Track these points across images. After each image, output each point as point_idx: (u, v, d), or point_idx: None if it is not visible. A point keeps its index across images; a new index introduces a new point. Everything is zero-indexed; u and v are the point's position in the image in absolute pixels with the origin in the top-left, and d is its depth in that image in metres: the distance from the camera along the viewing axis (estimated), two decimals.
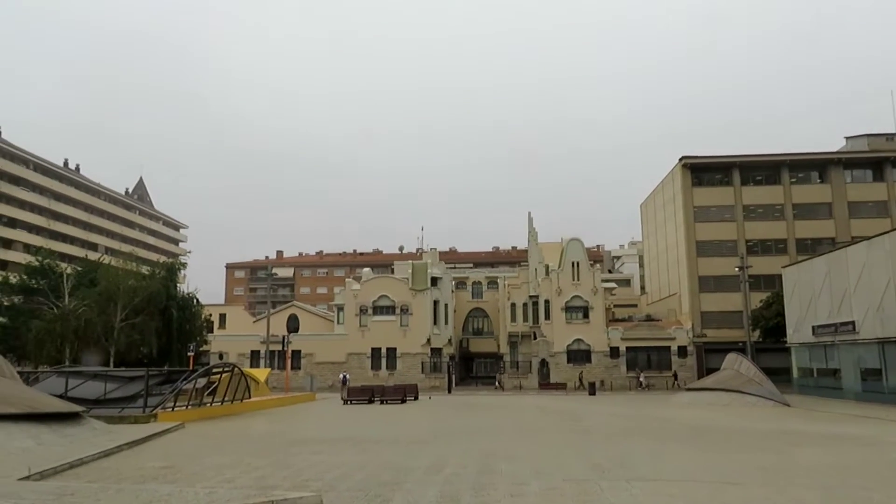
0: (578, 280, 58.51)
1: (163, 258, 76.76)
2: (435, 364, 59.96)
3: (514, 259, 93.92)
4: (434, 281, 62.02)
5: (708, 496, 11.31)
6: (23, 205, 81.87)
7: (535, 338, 59.77)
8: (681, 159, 59.52)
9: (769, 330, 49.51)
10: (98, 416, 22.33)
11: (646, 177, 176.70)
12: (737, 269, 48.51)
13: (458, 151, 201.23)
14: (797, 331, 43.62)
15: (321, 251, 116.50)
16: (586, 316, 58.08)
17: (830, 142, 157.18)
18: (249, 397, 34.13)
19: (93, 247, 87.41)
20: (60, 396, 23.27)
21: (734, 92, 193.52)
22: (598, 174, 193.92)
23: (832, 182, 57.96)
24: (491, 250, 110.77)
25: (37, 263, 51.95)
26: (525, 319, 62.04)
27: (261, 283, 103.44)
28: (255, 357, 59.55)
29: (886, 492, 11.86)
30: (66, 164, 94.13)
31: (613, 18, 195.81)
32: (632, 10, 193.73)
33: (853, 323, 36.78)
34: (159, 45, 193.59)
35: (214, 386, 31.11)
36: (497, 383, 58.83)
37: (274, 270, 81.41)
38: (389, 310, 61.40)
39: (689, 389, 42.31)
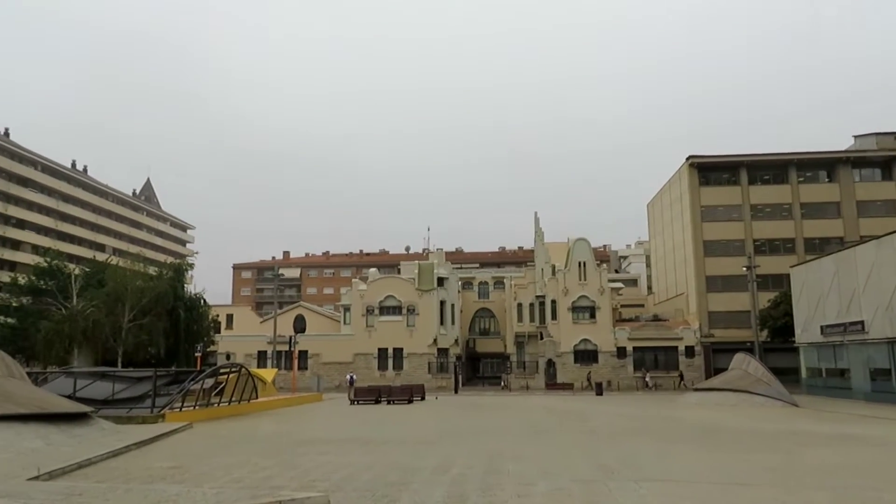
0: (585, 280, 58.38)
1: (170, 259, 77.02)
2: (441, 364, 59.95)
3: (521, 259, 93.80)
4: (440, 281, 62.01)
5: (717, 497, 11.26)
6: (31, 206, 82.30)
7: (541, 338, 59.67)
8: (688, 158, 59.32)
9: (777, 330, 49.28)
10: (106, 416, 22.44)
11: (646, 176, 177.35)
12: (744, 268, 48.30)
13: (458, 151, 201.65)
14: (805, 331, 43.41)
15: (327, 252, 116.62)
16: (593, 316, 57.97)
17: (830, 142, 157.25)
18: (257, 397, 34.20)
19: (100, 248, 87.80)
20: (69, 397, 23.37)
21: (734, 92, 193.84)
22: (598, 174, 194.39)
23: (840, 181, 57.64)
24: (497, 250, 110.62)
25: (45, 264, 52.21)
26: (532, 319, 61.94)
27: (267, 283, 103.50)
28: (262, 357, 59.68)
29: None
30: (73, 165, 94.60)
31: (613, 18, 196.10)
32: (632, 10, 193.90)
33: (862, 323, 36.57)
34: (159, 45, 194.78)
35: (222, 386, 31.20)
36: (503, 383, 58.75)
37: (280, 271, 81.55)
38: (396, 310, 61.44)
39: (696, 390, 42.15)
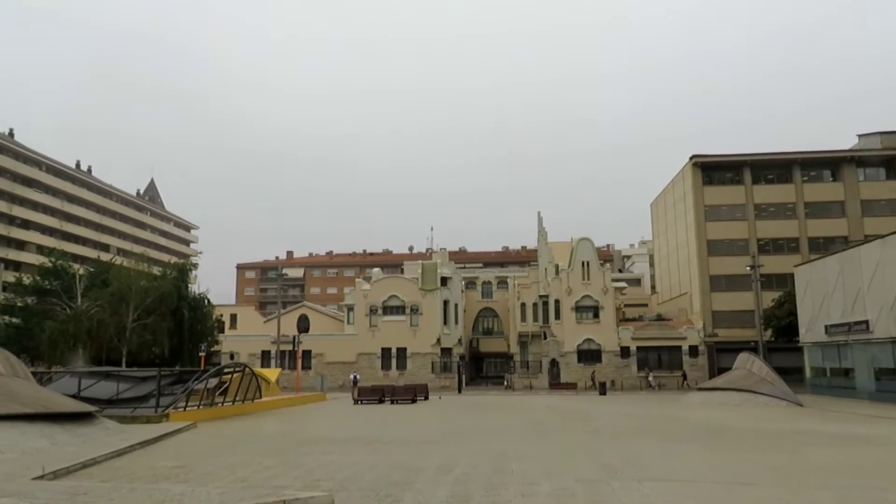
0: (589, 279, 58.34)
1: (174, 259, 77.23)
2: (445, 364, 59.97)
3: (524, 259, 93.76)
4: (444, 281, 62.03)
5: (721, 497, 11.24)
6: (36, 206, 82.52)
7: (545, 337, 59.64)
8: (691, 158, 59.22)
9: (781, 329, 49.19)
10: (111, 415, 22.50)
11: (648, 176, 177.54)
12: (748, 268, 48.22)
13: (459, 151, 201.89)
14: (810, 330, 43.30)
15: (331, 251, 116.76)
16: (596, 315, 57.91)
17: (830, 141, 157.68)
18: (260, 397, 34.26)
19: (105, 248, 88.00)
20: (73, 396, 23.44)
21: (734, 92, 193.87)
22: (600, 174, 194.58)
23: (845, 180, 57.46)
24: (500, 250, 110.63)
25: (50, 265, 52.38)
26: (535, 319, 61.92)
27: (271, 283, 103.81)
28: (265, 357, 59.78)
29: None
30: (77, 165, 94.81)
31: (613, 18, 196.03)
32: (632, 10, 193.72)
33: (867, 322, 36.47)
34: (159, 44, 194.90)
35: (226, 386, 31.26)
36: (506, 383, 58.72)
37: (284, 271, 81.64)
38: (399, 310, 61.47)
39: (700, 389, 42.09)
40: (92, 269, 54.59)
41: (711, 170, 59.53)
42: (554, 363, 57.49)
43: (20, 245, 79.00)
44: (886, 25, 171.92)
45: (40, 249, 73.35)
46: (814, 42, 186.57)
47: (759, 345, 45.95)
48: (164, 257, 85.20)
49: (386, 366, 60.47)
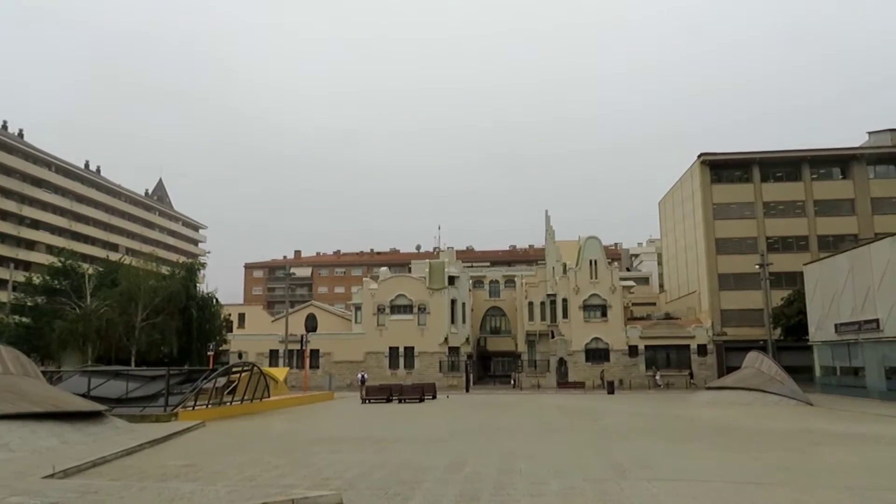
0: (596, 278, 58.21)
1: (182, 258, 77.47)
2: (453, 363, 59.97)
3: (532, 258, 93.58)
4: (451, 280, 62.01)
5: (730, 496, 11.19)
6: (45, 206, 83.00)
7: (552, 336, 59.54)
8: (699, 156, 58.96)
9: (791, 328, 48.91)
10: (120, 414, 22.61)
11: (649, 175, 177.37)
12: (757, 266, 47.99)
13: (459, 151, 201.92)
14: (819, 329, 43.06)
15: (338, 251, 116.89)
16: (604, 314, 57.79)
17: (833, 139, 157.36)
18: (269, 396, 34.34)
19: (114, 247, 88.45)
20: (83, 396, 23.57)
21: (734, 91, 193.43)
22: (604, 173, 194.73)
23: (855, 178, 57.07)
24: (508, 249, 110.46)
25: (59, 264, 52.62)
26: (543, 318, 61.81)
27: (279, 282, 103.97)
28: (273, 356, 59.95)
29: None
30: (86, 165, 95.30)
31: (613, 18, 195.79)
32: (632, 10, 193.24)
33: (877, 321, 36.22)
34: (159, 44, 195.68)
35: (234, 385, 31.37)
36: (513, 381, 58.68)
37: (292, 270, 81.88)
38: (407, 309, 61.50)
39: (709, 388, 41.96)
40: (101, 269, 54.84)
41: (720, 168, 59.26)
42: (562, 362, 57.40)
43: (30, 245, 79.51)
44: (886, 24, 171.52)
45: (50, 249, 73.72)
46: (813, 42, 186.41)
47: (769, 343, 45.72)
48: (173, 257, 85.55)
49: (394, 365, 60.54)
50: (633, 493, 11.15)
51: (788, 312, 48.91)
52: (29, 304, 52.86)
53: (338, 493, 10.77)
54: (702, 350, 56.00)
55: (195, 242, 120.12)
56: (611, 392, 47.83)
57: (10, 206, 77.20)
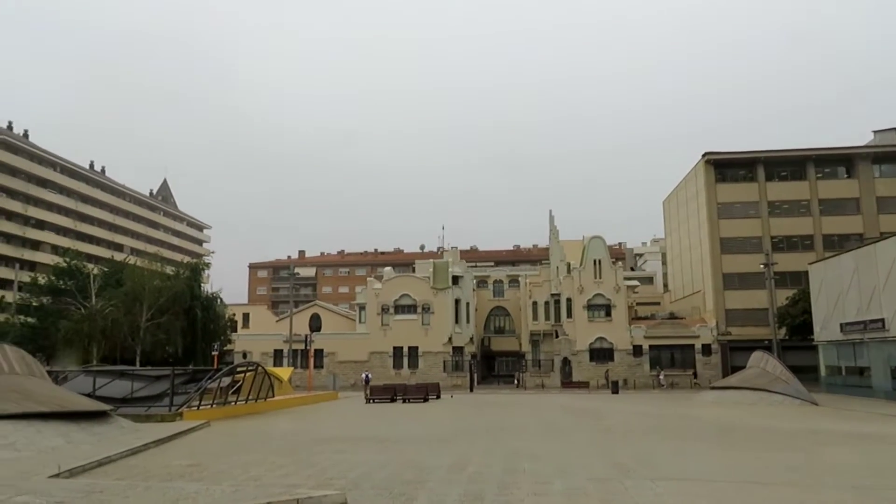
0: (600, 278, 58.15)
1: (187, 258, 77.64)
2: (457, 363, 59.99)
3: (536, 257, 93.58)
4: (455, 279, 62.03)
5: (734, 496, 11.17)
6: (50, 207, 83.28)
7: (556, 336, 59.51)
8: (704, 155, 58.84)
9: (795, 327, 48.77)
10: (125, 414, 22.66)
11: (650, 175, 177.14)
12: (762, 265, 47.87)
13: (458, 151, 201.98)
14: (824, 328, 42.95)
15: (342, 251, 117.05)
16: (609, 314, 57.72)
17: (833, 138, 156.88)
18: (273, 396, 34.38)
19: (118, 248, 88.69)
20: (88, 395, 23.62)
21: (734, 91, 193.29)
22: (601, 173, 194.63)
23: (860, 177, 56.87)
24: (512, 248, 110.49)
25: (64, 265, 52.77)
26: (547, 318, 61.79)
27: (283, 282, 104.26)
28: (278, 356, 60.04)
29: None
30: (91, 166, 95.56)
31: (613, 18, 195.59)
32: (632, 10, 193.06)
33: (883, 320, 36.11)
34: (159, 44, 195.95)
35: (239, 385, 31.40)
36: (516, 381, 58.66)
37: (296, 270, 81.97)
38: (411, 309, 61.53)
39: (713, 388, 41.87)
40: (106, 269, 54.99)
41: (724, 167, 59.13)
42: (566, 362, 57.36)
43: (35, 245, 79.77)
44: (886, 23, 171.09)
45: (55, 249, 73.94)
46: (813, 42, 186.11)
47: (773, 343, 45.61)
48: (177, 257, 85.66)
49: (398, 364, 60.58)
50: (637, 493, 11.13)
51: (793, 312, 48.77)
52: (34, 304, 53.01)
53: (342, 492, 10.78)
54: (706, 350, 55.89)
55: (199, 242, 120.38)
56: (615, 392, 47.77)
57: (16, 206, 77.48)
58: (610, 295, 57.86)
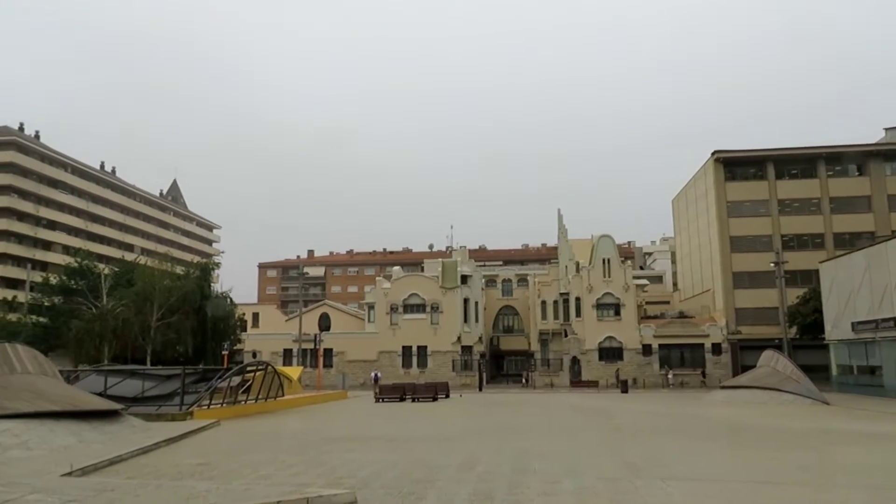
0: (609, 277, 57.97)
1: (197, 258, 78.05)
2: (466, 362, 59.97)
3: (544, 256, 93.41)
4: (464, 279, 62.01)
5: (745, 496, 11.12)
6: (62, 207, 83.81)
7: (566, 335, 59.40)
8: (713, 153, 58.55)
9: (806, 326, 48.44)
10: (136, 413, 22.80)
11: (655, 175, 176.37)
12: (772, 264, 47.60)
13: (458, 151, 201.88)
14: (836, 327, 42.66)
15: (351, 250, 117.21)
16: (618, 313, 57.55)
17: (834, 137, 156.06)
18: (283, 395, 34.51)
19: (129, 248, 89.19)
20: (100, 394, 23.77)
21: (734, 91, 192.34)
22: (604, 173, 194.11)
23: (871, 174, 56.42)
24: (520, 247, 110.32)
25: (76, 265, 53.18)
26: (556, 317, 61.67)
27: (292, 282, 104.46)
28: (287, 355, 60.19)
29: None
30: (102, 166, 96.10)
31: (613, 18, 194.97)
32: (632, 10, 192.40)
33: (894, 319, 35.80)
34: (159, 44, 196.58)
35: (248, 384, 31.53)
36: (524, 380, 58.54)
37: (305, 270, 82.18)
38: (420, 308, 61.57)
39: (724, 387, 41.68)
40: (117, 269, 55.37)
41: (734, 165, 58.81)
42: (575, 361, 57.25)
43: (47, 245, 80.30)
44: (885, 24, 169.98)
45: (66, 250, 74.48)
46: (813, 41, 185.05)
47: (784, 342, 45.37)
48: (188, 257, 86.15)
49: (407, 364, 60.63)
50: (647, 493, 11.10)
51: (804, 311, 48.45)
52: (46, 304, 53.47)
53: (352, 491, 10.81)
54: (716, 349, 55.63)
55: (209, 242, 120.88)
56: (624, 391, 47.64)
57: (28, 207, 78.03)
58: (619, 294, 57.69)
